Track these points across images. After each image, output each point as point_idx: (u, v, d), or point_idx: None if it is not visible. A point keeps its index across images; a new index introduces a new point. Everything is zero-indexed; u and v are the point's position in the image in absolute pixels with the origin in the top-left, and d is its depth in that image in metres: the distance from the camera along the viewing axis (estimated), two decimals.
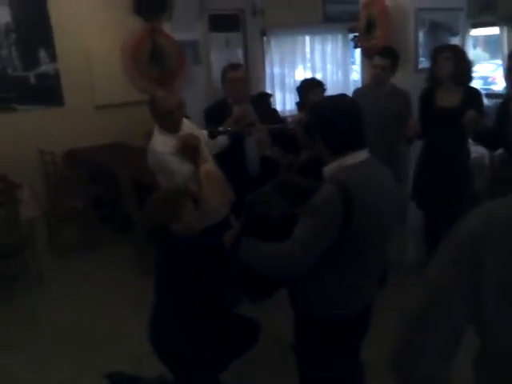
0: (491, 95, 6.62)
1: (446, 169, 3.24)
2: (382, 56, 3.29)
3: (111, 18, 5.48)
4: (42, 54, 5.18)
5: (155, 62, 5.61)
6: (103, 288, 3.93)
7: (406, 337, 1.06)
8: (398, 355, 1.08)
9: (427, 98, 3.29)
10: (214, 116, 3.36)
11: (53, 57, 5.23)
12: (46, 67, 5.21)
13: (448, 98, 3.16)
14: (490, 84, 8.37)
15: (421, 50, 3.61)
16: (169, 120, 2.81)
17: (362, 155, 1.70)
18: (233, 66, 3.32)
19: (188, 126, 3.01)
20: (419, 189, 3.44)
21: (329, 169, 1.72)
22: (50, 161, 4.98)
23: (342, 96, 1.88)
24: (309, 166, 2.32)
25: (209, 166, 2.92)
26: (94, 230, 4.77)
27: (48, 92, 5.27)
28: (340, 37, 7.14)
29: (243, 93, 3.29)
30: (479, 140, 3.18)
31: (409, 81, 3.53)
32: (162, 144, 2.81)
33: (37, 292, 3.94)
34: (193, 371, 2.26)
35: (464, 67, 3.14)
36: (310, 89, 3.36)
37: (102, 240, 4.78)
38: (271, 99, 5.91)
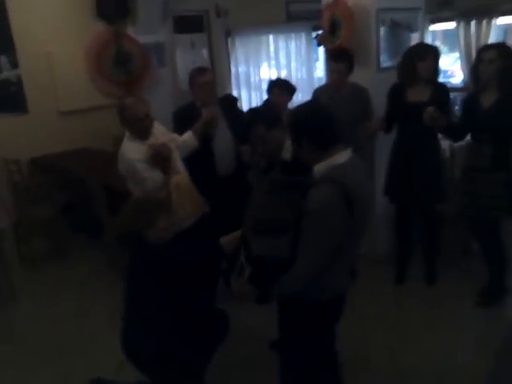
0: (450, 89, 6.81)
1: (418, 163, 3.35)
2: (337, 61, 3.40)
3: (73, 22, 5.40)
4: (3, 60, 5.04)
5: (120, 66, 5.53)
6: (77, 298, 3.89)
7: None
8: None
9: (397, 93, 3.37)
10: (183, 119, 3.38)
11: (14, 63, 5.10)
12: (7, 74, 5.07)
13: (418, 94, 3.27)
14: (448, 77, 8.56)
15: (382, 50, 3.70)
16: (139, 127, 2.83)
17: (347, 153, 1.85)
18: (200, 71, 3.34)
19: (160, 131, 3.02)
20: (392, 184, 3.54)
21: (320, 167, 1.84)
22: (15, 170, 4.89)
23: (311, 102, 2.05)
24: (292, 167, 2.40)
25: (180, 177, 2.93)
26: (65, 238, 4.71)
27: (10, 99, 5.13)
28: (303, 35, 7.22)
29: (212, 96, 3.33)
30: (443, 133, 3.32)
31: (371, 80, 3.63)
32: (133, 151, 2.82)
33: (9, 306, 3.86)
34: (171, 374, 2.29)
35: (437, 67, 3.31)
36: (270, 90, 3.49)
37: (74, 248, 4.73)
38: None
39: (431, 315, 3.29)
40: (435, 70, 3.29)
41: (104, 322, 3.45)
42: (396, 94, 3.38)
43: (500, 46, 3.11)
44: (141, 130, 2.85)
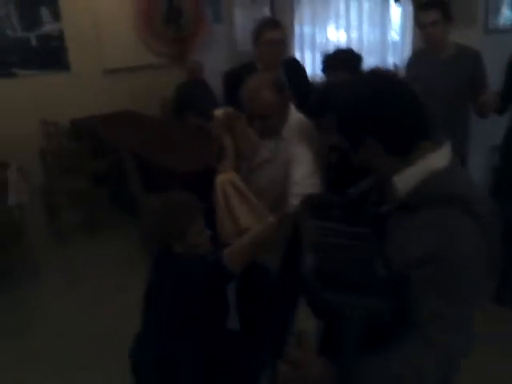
0: None
1: None
2: (427, 9, 2.62)
3: None
4: (44, 12, 4.64)
5: (171, 22, 5.05)
6: (105, 277, 3.49)
7: None
8: None
9: None
10: (236, 83, 2.74)
11: (56, 16, 4.70)
12: (48, 27, 4.69)
13: None
14: None
15: (492, 5, 2.93)
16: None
17: (447, 151, 1.09)
18: (271, 24, 2.66)
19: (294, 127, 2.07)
20: (502, 182, 2.79)
21: (408, 177, 1.09)
22: (53, 132, 4.51)
23: (378, 71, 1.22)
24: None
25: (229, 176, 1.98)
26: (98, 211, 4.31)
27: (51, 55, 4.78)
28: None
29: (280, 58, 2.68)
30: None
31: (476, 43, 2.85)
32: None
33: (31, 286, 3.47)
34: None
35: None
36: (331, 71, 2.60)
37: (107, 223, 4.31)
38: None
39: None
40: None
41: (131, 307, 3.01)
42: None
43: None
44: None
